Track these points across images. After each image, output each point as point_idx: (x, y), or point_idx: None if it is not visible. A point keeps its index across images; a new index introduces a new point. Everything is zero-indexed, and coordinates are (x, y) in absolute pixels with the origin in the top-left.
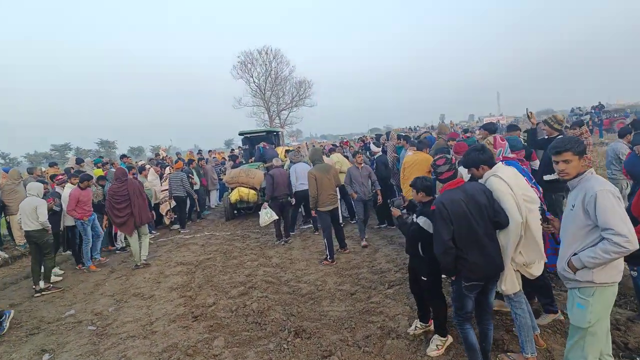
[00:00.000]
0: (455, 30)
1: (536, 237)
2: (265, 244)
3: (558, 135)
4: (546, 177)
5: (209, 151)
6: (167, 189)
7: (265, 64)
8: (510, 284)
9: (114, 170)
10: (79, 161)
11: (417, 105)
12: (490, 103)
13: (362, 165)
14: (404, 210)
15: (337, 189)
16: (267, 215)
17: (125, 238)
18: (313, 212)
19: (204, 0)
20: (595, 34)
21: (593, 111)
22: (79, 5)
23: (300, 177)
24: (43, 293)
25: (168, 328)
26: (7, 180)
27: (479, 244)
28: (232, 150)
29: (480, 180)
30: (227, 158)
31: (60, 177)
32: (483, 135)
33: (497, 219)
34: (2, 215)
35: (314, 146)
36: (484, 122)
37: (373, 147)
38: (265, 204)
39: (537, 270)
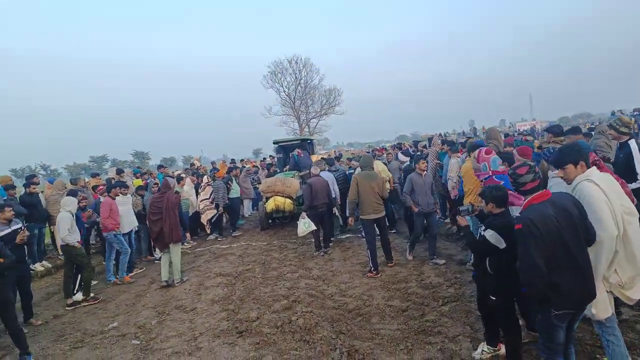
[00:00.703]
0: (485, 35)
1: (637, 253)
2: (304, 255)
3: (629, 140)
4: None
5: (241, 160)
6: (206, 198)
7: (295, 73)
8: (602, 307)
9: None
10: (119, 172)
11: (445, 111)
12: (523, 107)
13: (426, 172)
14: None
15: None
16: (305, 225)
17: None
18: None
19: (227, 13)
20: (634, 36)
21: (638, 113)
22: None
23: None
24: (76, 307)
25: (213, 344)
26: (52, 190)
27: (572, 266)
28: (264, 159)
29: (568, 186)
30: (259, 167)
31: (101, 187)
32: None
33: (588, 236)
34: (47, 225)
35: (367, 153)
36: (517, 127)
37: (401, 156)
38: (304, 214)
39: (636, 293)
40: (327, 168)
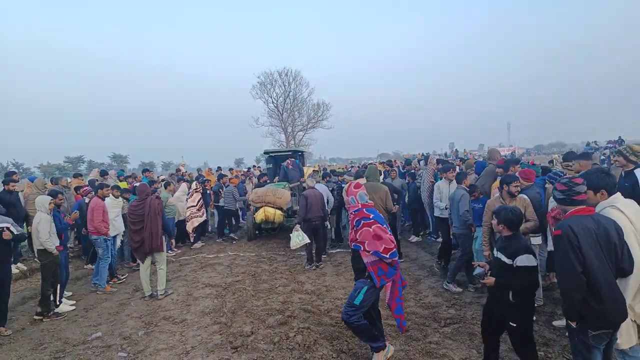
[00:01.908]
0: (464, 60)
1: None
2: (295, 268)
3: (635, 169)
4: None
5: (230, 169)
6: (193, 205)
7: (285, 85)
8: (626, 336)
9: (137, 185)
10: (103, 173)
11: (424, 133)
12: (500, 133)
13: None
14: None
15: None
16: (298, 238)
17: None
18: None
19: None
20: (612, 69)
21: (611, 146)
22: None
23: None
24: (43, 320)
25: None
26: (32, 189)
27: (609, 283)
28: (249, 169)
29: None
30: (252, 175)
31: (85, 188)
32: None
33: (622, 265)
34: (25, 225)
35: (372, 164)
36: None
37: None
38: (297, 226)
39: None
40: (322, 180)
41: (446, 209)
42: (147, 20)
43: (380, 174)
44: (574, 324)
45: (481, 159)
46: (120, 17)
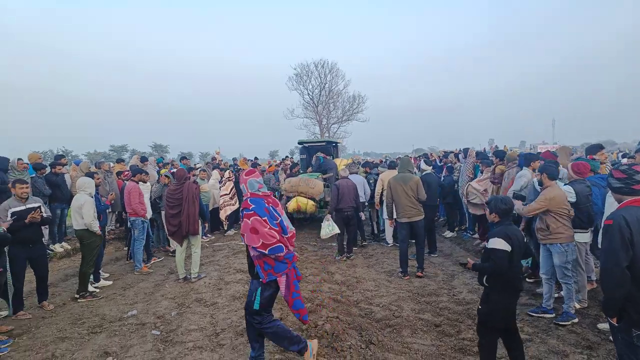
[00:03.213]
0: (509, 54)
1: None
2: (325, 258)
3: None
4: None
5: (269, 160)
6: (226, 194)
7: (320, 77)
8: None
9: (176, 170)
10: (143, 160)
11: (463, 128)
12: (544, 130)
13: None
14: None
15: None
16: (329, 228)
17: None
18: (390, 222)
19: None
20: None
21: None
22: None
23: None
24: (79, 300)
25: (236, 342)
26: (77, 172)
27: None
28: (284, 159)
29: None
30: (287, 167)
31: (126, 173)
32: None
33: None
34: (69, 206)
35: (406, 155)
36: (538, 150)
37: (423, 165)
38: (328, 216)
39: None
40: (362, 171)
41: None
42: (194, 13)
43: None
44: (614, 321)
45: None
46: (170, 13)
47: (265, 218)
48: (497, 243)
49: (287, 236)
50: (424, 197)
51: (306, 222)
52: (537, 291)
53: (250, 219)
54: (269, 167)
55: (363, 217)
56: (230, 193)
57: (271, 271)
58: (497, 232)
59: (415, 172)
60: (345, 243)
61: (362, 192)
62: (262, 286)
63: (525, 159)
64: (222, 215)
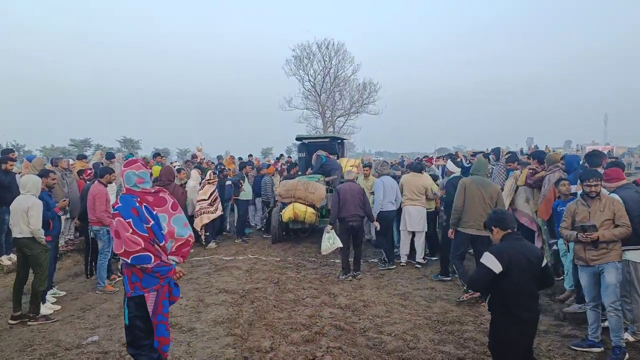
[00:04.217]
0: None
1: None
2: (326, 277)
3: None
4: None
5: (267, 158)
6: (204, 199)
7: (324, 60)
8: None
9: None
10: (109, 156)
11: (498, 126)
12: (595, 129)
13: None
14: None
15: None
16: (329, 241)
17: None
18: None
19: None
20: None
21: None
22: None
23: (388, 193)
24: (29, 323)
25: None
26: (29, 170)
27: None
28: (279, 157)
29: None
30: (283, 167)
31: (89, 172)
32: None
33: None
34: None
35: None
36: (587, 151)
37: (450, 166)
38: (329, 227)
39: None
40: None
41: None
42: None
43: (423, 169)
44: None
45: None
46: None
47: (130, 220)
48: (486, 259)
49: (162, 244)
50: (505, 206)
51: (304, 233)
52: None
53: (115, 220)
54: (268, 167)
55: (377, 228)
56: (209, 198)
57: (138, 284)
58: (493, 248)
59: (439, 176)
60: (352, 259)
61: (393, 197)
62: (127, 300)
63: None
64: (198, 224)
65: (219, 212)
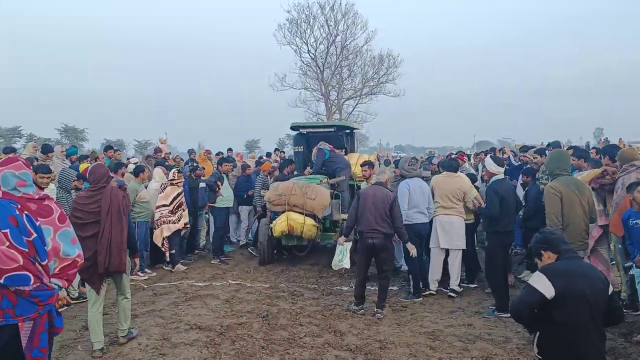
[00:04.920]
0: None
1: None
2: (330, 310)
3: None
4: None
5: (252, 154)
6: (165, 205)
7: (328, 25)
8: None
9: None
10: (46, 150)
11: (558, 115)
12: None
13: None
14: None
15: None
16: (341, 254)
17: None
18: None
19: None
20: None
21: None
22: None
23: (415, 200)
24: None
25: None
26: None
27: None
28: (269, 154)
29: None
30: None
31: None
32: None
33: None
34: None
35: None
36: None
37: (490, 165)
38: (342, 238)
39: None
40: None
41: None
42: None
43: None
44: None
45: None
46: None
47: (7, 231)
48: (536, 280)
49: (44, 263)
50: (595, 217)
51: (301, 252)
52: None
53: None
54: (261, 164)
55: (412, 252)
56: (170, 204)
57: (10, 311)
58: (546, 267)
59: (477, 177)
60: (377, 289)
61: (424, 205)
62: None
63: None
64: (157, 237)
65: (183, 222)
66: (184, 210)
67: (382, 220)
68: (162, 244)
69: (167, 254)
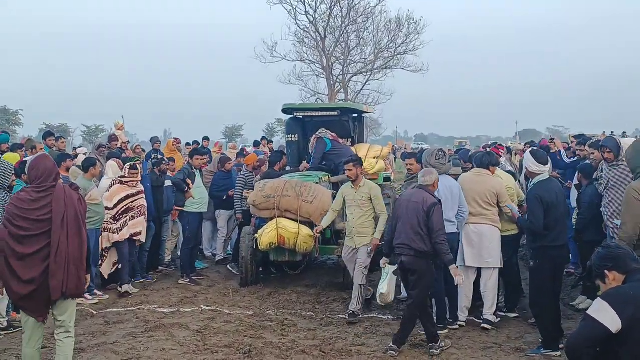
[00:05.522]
0: None
1: None
2: (331, 343)
3: None
4: None
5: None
6: (108, 208)
7: None
8: None
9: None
10: None
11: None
12: None
13: None
14: None
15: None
16: (383, 281)
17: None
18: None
19: None
20: None
21: None
22: None
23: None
24: None
25: None
26: None
27: None
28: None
29: None
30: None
31: None
32: None
33: None
34: None
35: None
36: None
37: (530, 162)
38: (384, 260)
39: None
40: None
41: None
42: None
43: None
44: None
45: None
46: None
47: None
48: (597, 309)
49: None
50: None
51: (295, 270)
52: None
53: None
54: (245, 157)
55: (459, 282)
56: (114, 207)
57: None
58: (611, 292)
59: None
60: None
61: (453, 210)
62: None
63: None
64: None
65: (129, 234)
66: (132, 218)
67: (414, 233)
68: (102, 257)
69: (110, 270)
